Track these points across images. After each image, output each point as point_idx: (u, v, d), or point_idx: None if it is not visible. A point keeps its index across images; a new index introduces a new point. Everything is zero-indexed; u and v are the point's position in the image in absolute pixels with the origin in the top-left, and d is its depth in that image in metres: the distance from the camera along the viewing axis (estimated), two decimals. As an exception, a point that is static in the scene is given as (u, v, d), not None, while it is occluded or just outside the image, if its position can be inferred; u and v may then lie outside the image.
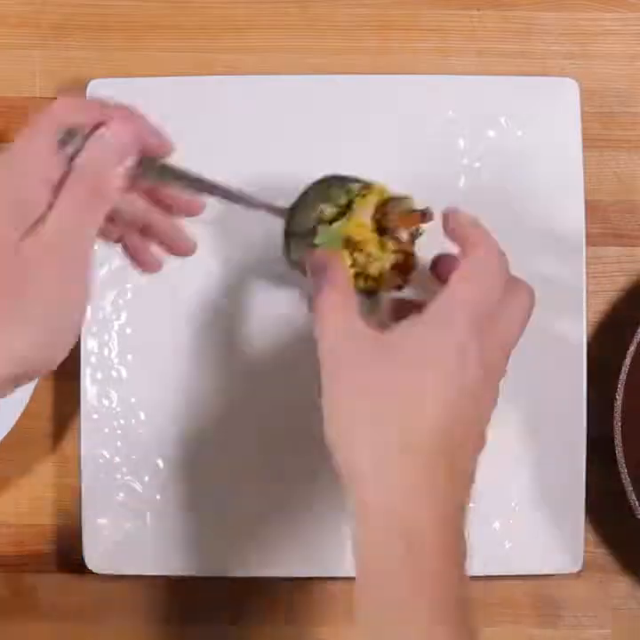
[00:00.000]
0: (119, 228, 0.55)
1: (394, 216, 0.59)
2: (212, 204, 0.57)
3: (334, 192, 0.60)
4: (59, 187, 0.48)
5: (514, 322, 0.54)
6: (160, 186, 0.54)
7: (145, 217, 0.55)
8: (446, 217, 0.56)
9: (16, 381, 0.49)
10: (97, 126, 0.50)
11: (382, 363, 0.51)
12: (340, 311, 0.53)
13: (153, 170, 0.53)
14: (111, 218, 0.52)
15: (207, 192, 0.56)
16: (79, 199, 0.48)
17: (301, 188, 0.61)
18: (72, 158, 0.49)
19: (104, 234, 0.54)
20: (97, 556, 0.67)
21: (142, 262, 0.56)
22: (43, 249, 0.47)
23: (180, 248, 0.56)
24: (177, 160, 0.68)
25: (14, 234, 0.47)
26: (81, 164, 0.49)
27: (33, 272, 0.47)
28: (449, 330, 0.51)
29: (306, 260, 0.57)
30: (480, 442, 0.53)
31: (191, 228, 0.58)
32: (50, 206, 0.48)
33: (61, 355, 0.50)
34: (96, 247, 0.67)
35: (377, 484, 0.50)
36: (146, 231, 0.55)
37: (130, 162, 0.50)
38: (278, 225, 0.61)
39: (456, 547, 0.50)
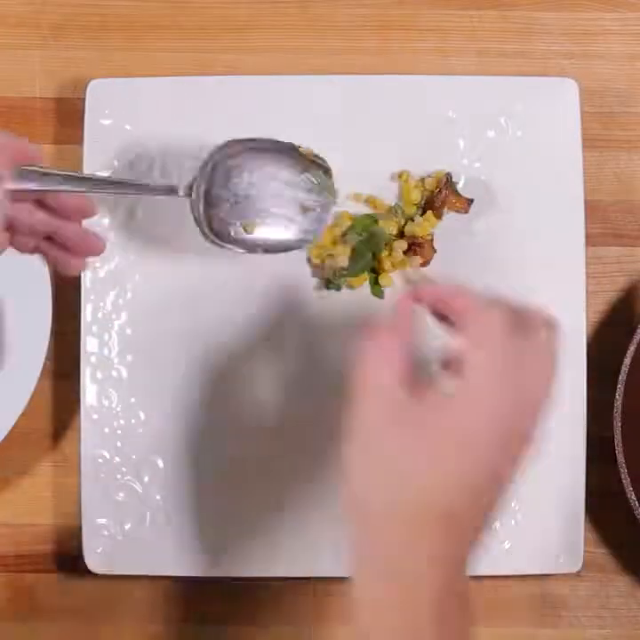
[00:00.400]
0: (29, 239, 0.55)
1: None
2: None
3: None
4: None
5: (539, 376, 0.52)
6: (48, 192, 0.54)
7: (47, 225, 0.55)
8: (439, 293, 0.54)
9: None
10: None
11: (411, 430, 0.50)
12: (387, 370, 0.51)
13: (34, 178, 0.53)
14: (16, 230, 0.53)
15: (97, 189, 0.57)
16: None
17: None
18: None
19: (18, 246, 0.55)
20: (97, 556, 0.67)
21: (61, 265, 0.56)
22: None
23: (89, 249, 0.56)
24: (176, 161, 0.69)
25: None
26: None
27: None
28: (477, 407, 0.50)
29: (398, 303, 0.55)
30: (488, 506, 0.53)
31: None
32: None
33: None
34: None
35: (372, 533, 0.50)
36: (53, 238, 0.56)
37: (6, 175, 0.51)
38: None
39: (453, 610, 0.50)
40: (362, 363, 0.51)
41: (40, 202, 0.54)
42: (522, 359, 0.51)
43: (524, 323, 0.52)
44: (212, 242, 0.64)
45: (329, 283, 0.68)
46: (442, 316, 0.53)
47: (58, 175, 0.54)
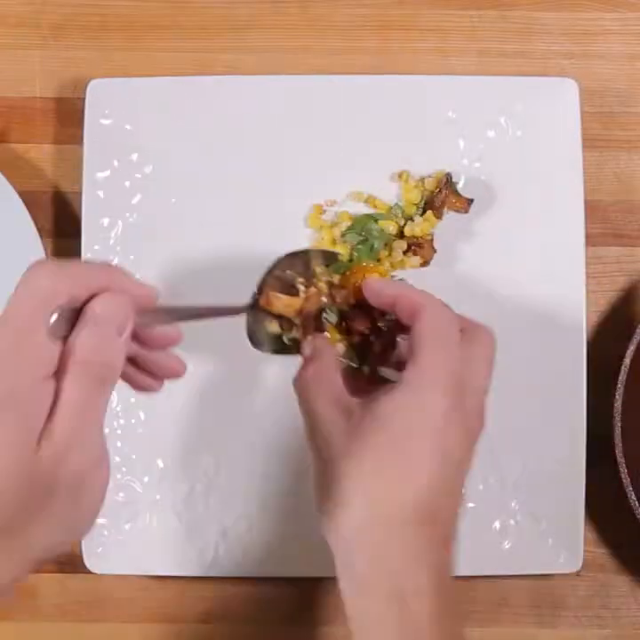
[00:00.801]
0: None
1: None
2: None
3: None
4: (60, 369, 0.45)
5: (481, 371, 0.54)
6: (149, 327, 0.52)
7: (136, 353, 0.52)
8: (373, 289, 0.56)
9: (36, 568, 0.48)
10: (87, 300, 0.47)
11: (370, 434, 0.51)
12: (324, 383, 0.54)
13: (146, 318, 0.51)
14: None
15: (194, 318, 0.55)
16: (87, 389, 0.46)
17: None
18: (66, 337, 0.46)
19: None
20: (97, 556, 0.67)
21: (139, 387, 0.54)
22: (60, 454, 0.45)
23: (171, 374, 0.54)
24: (177, 160, 0.69)
25: (27, 451, 0.44)
26: (82, 350, 0.46)
27: (53, 481, 0.45)
28: (428, 400, 0.51)
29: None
30: (460, 502, 0.53)
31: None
32: (55, 393, 0.45)
33: (86, 534, 0.51)
34: (95, 247, 0.68)
35: (365, 552, 0.51)
36: (134, 362, 0.53)
37: (129, 330, 0.48)
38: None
39: (449, 611, 0.51)
40: (307, 387, 0.54)
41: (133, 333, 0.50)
42: (467, 350, 0.53)
43: (471, 326, 0.55)
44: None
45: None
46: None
47: (172, 310, 0.52)
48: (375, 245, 0.68)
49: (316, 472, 0.53)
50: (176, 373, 0.54)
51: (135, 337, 0.50)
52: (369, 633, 0.51)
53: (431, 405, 0.51)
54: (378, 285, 0.56)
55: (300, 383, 0.55)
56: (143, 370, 0.53)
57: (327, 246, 0.68)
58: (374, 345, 0.60)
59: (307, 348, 0.57)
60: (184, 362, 0.54)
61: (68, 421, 0.45)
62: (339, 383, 0.54)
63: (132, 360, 0.52)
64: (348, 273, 0.65)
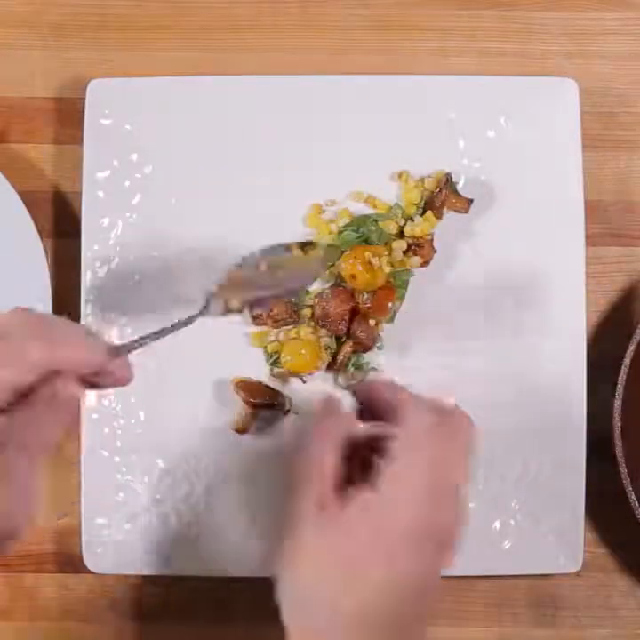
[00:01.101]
0: None
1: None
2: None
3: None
4: None
5: (457, 467, 0.54)
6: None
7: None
8: (359, 391, 0.57)
9: None
10: None
11: (335, 542, 0.52)
12: (322, 475, 0.53)
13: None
14: None
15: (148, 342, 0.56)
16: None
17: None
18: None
19: None
20: (97, 556, 0.67)
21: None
22: None
23: (116, 383, 0.55)
24: (177, 160, 0.69)
25: None
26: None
27: None
28: (395, 513, 0.52)
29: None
30: (426, 611, 0.54)
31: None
32: None
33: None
34: (95, 247, 0.68)
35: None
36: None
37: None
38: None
39: None
40: (297, 483, 0.54)
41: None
42: (444, 459, 0.53)
43: (448, 422, 0.54)
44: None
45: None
46: (372, 411, 0.56)
47: (126, 345, 0.54)
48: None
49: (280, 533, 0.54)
50: (121, 382, 0.55)
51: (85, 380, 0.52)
52: None
53: (395, 521, 0.52)
54: (365, 386, 0.57)
55: (297, 459, 0.55)
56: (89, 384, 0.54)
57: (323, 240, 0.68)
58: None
59: (318, 418, 0.56)
60: (131, 373, 0.55)
61: None
62: (332, 473, 0.54)
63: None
64: (345, 254, 0.66)
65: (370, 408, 0.56)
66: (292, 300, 0.67)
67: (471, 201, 0.68)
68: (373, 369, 0.67)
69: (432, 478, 0.53)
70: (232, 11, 0.73)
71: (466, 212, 0.68)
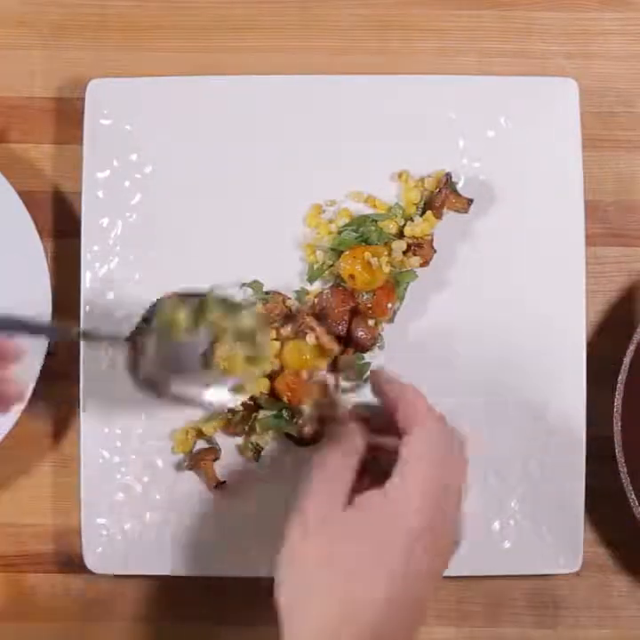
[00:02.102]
0: None
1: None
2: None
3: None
4: None
5: (461, 475, 0.56)
6: None
7: None
8: (378, 382, 0.59)
9: None
10: None
11: (339, 538, 0.53)
12: (335, 479, 0.55)
13: None
14: None
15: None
16: None
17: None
18: None
19: None
20: (96, 556, 0.67)
21: None
22: None
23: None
24: (177, 160, 0.69)
25: None
26: None
27: None
28: (402, 514, 0.53)
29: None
30: (420, 620, 0.55)
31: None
32: None
33: None
34: (95, 247, 0.68)
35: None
36: None
37: None
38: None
39: None
40: (315, 480, 0.56)
41: None
42: (449, 469, 0.55)
43: (449, 429, 0.57)
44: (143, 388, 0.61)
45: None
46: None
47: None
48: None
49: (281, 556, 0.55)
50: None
51: None
52: None
53: (399, 530, 0.53)
54: (383, 380, 0.58)
55: (316, 462, 0.57)
56: None
57: (323, 239, 0.68)
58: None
59: (335, 432, 0.58)
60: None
61: None
62: (348, 483, 0.55)
63: None
64: (345, 254, 0.66)
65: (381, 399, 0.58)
66: (291, 299, 0.67)
67: (471, 201, 0.68)
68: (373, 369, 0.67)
69: (438, 481, 0.54)
70: (232, 11, 0.73)
71: (466, 212, 0.68)
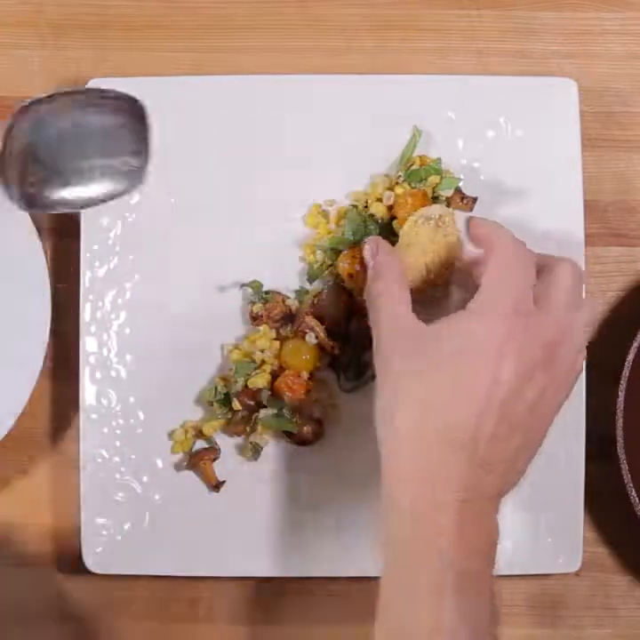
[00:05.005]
0: None
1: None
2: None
3: None
4: None
5: (556, 304, 0.56)
6: None
7: None
8: (469, 222, 0.61)
9: None
10: None
11: (427, 352, 0.55)
12: (395, 301, 0.58)
13: None
14: None
15: None
16: None
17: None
18: None
19: None
20: (96, 556, 0.67)
21: None
22: None
23: None
24: (177, 160, 0.69)
25: None
26: None
27: None
28: (489, 322, 0.54)
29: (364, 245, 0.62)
30: (517, 437, 0.55)
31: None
32: None
33: None
34: (95, 247, 0.68)
35: (408, 462, 0.53)
36: None
37: None
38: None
39: (474, 535, 0.53)
40: (378, 303, 0.58)
41: None
42: (542, 280, 0.57)
43: (550, 262, 0.59)
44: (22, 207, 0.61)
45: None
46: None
47: None
48: None
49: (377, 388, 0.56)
50: None
51: None
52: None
53: (486, 332, 0.53)
54: (473, 222, 0.61)
55: (369, 296, 0.59)
56: None
57: (323, 239, 0.68)
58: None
59: (369, 260, 0.61)
60: None
61: None
62: (406, 300, 0.58)
63: None
64: (343, 253, 0.66)
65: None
66: (291, 299, 0.67)
67: (475, 199, 0.68)
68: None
69: (520, 302, 0.55)
70: (232, 10, 0.73)
71: (470, 211, 0.68)
